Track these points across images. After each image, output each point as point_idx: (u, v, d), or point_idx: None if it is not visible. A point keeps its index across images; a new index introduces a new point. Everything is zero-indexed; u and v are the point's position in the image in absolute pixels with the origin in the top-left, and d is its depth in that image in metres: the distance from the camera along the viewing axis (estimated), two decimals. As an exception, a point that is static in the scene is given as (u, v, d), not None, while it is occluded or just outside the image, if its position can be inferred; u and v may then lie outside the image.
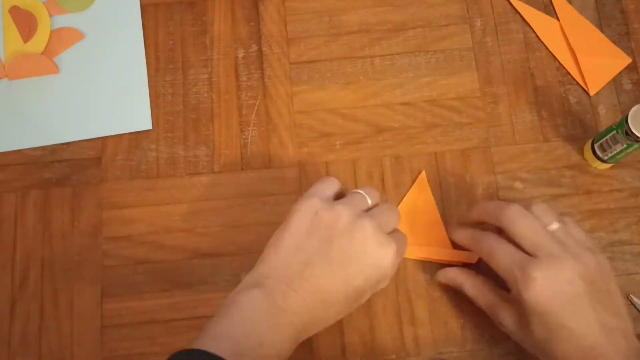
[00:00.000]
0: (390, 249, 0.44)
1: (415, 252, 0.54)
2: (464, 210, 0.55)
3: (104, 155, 0.57)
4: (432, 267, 0.54)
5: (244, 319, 0.41)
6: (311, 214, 0.44)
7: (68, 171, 0.57)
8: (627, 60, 0.60)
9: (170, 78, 0.60)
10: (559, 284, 0.43)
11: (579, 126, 0.59)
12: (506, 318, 0.46)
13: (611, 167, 0.57)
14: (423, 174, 0.56)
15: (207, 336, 0.40)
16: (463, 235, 0.51)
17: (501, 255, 0.46)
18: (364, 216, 0.45)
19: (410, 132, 0.58)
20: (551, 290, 0.42)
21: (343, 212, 0.44)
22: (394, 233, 0.47)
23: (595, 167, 0.57)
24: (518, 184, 0.57)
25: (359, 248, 0.43)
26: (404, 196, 0.56)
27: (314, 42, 0.61)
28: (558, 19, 0.62)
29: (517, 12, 0.62)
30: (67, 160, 0.57)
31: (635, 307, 0.53)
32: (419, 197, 0.55)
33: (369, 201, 0.47)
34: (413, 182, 0.57)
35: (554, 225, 0.46)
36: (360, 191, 0.48)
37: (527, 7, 0.62)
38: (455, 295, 0.53)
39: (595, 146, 0.55)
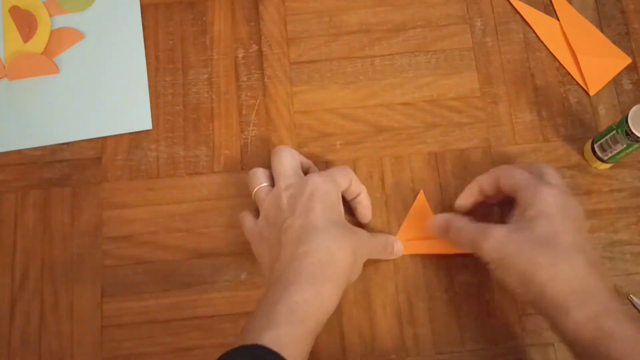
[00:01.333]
0: (308, 178, 0.48)
1: (415, 247, 0.54)
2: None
3: (104, 155, 0.57)
4: (432, 267, 0.54)
5: (268, 303, 0.43)
6: (251, 225, 0.51)
7: (68, 171, 0.57)
8: (627, 60, 0.60)
9: (170, 78, 0.60)
10: (571, 199, 0.47)
11: (579, 126, 0.59)
12: (497, 234, 0.46)
13: (611, 167, 0.57)
14: (421, 193, 0.56)
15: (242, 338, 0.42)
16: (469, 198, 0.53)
17: (520, 171, 0.49)
18: (272, 190, 0.50)
19: (410, 132, 0.58)
20: (565, 199, 0.47)
21: (266, 206, 0.49)
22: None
23: (595, 167, 0.57)
24: (518, 184, 0.57)
25: (293, 200, 0.48)
26: (404, 202, 0.56)
27: (314, 42, 0.61)
28: (558, 19, 0.62)
29: (517, 12, 0.62)
30: (67, 160, 0.57)
31: (635, 307, 0.53)
32: (420, 217, 0.55)
33: (267, 183, 0.52)
34: (413, 182, 0.57)
35: (551, 172, 0.51)
36: (262, 184, 0.52)
37: (527, 7, 0.62)
38: (455, 295, 0.53)
39: (595, 146, 0.55)
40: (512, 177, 0.49)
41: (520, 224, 0.46)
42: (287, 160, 0.51)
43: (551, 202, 0.46)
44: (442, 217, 0.51)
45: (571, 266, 0.43)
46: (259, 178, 0.51)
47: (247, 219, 0.51)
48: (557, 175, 0.50)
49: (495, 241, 0.46)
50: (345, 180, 0.51)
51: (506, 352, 0.52)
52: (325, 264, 0.44)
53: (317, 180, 0.48)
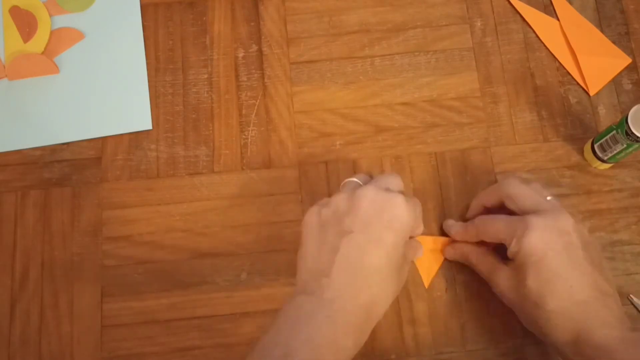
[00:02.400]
0: (397, 197, 0.44)
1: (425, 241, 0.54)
2: (464, 209, 0.55)
3: (104, 155, 0.57)
4: (432, 267, 0.54)
5: (290, 322, 0.41)
6: (315, 216, 0.45)
7: (68, 171, 0.57)
8: (627, 60, 0.60)
9: (170, 78, 0.60)
10: (556, 233, 0.44)
11: (579, 126, 0.59)
12: (502, 279, 0.47)
13: (611, 167, 0.57)
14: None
15: (255, 349, 0.40)
16: (460, 227, 0.53)
17: (500, 219, 0.48)
18: (361, 188, 0.45)
19: (410, 132, 0.58)
20: (548, 238, 0.44)
21: (338, 198, 0.45)
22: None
23: (595, 167, 0.57)
24: (518, 184, 0.57)
25: (371, 212, 0.43)
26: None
27: (314, 42, 0.61)
28: (558, 19, 0.62)
29: (517, 12, 0.62)
30: (67, 160, 0.57)
31: (635, 307, 0.53)
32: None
33: (360, 182, 0.48)
34: (413, 182, 0.57)
35: (549, 197, 0.48)
36: (352, 178, 0.49)
37: (527, 7, 0.62)
38: (455, 295, 0.53)
39: (595, 146, 0.55)
40: (494, 224, 0.48)
41: (516, 271, 0.46)
42: (398, 180, 0.48)
43: (539, 246, 0.44)
44: (458, 249, 0.53)
45: (565, 322, 0.43)
46: (358, 176, 0.49)
47: (314, 208, 0.46)
48: (545, 189, 0.49)
49: (500, 288, 0.47)
50: (419, 224, 0.48)
51: (506, 352, 0.52)
52: (362, 314, 0.42)
53: (405, 208, 0.44)
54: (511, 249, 0.46)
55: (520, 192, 0.48)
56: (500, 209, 0.50)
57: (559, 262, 0.43)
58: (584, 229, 0.46)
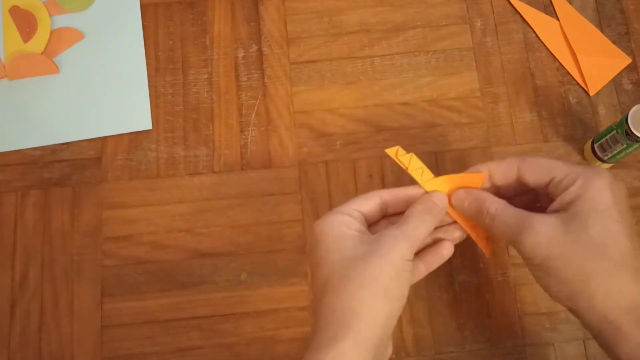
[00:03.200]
0: (317, 222, 0.40)
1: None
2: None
3: (104, 155, 0.57)
4: (432, 267, 0.54)
5: None
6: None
7: (68, 171, 0.57)
8: (627, 60, 0.60)
9: (170, 78, 0.60)
10: (620, 186, 0.39)
11: (579, 126, 0.59)
12: (544, 228, 0.38)
13: (611, 167, 0.57)
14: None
15: None
16: (496, 162, 0.44)
17: (555, 160, 0.41)
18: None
19: (410, 132, 0.58)
20: (617, 188, 0.39)
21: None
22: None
23: (595, 167, 0.57)
24: (518, 184, 0.57)
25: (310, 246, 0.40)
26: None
27: (314, 42, 0.61)
28: (558, 19, 0.62)
29: (517, 12, 0.62)
30: (67, 160, 0.57)
31: None
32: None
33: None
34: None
35: None
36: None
37: (527, 7, 0.62)
38: (455, 295, 0.53)
39: (595, 146, 0.55)
40: (543, 164, 0.40)
41: (569, 219, 0.38)
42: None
43: (607, 194, 0.38)
44: (473, 195, 0.42)
45: (629, 280, 0.36)
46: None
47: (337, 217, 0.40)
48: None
49: (539, 238, 0.38)
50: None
51: (506, 352, 0.52)
52: None
53: (313, 231, 0.39)
54: (572, 191, 0.38)
55: (551, 161, 0.41)
56: (513, 191, 0.43)
57: (626, 216, 0.38)
58: None
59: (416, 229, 0.39)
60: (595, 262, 0.37)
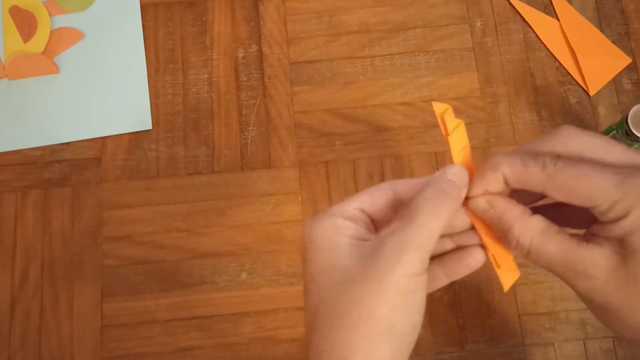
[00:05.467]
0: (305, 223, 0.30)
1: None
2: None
3: (104, 155, 0.57)
4: (432, 267, 0.54)
5: None
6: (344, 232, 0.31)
7: (68, 171, 0.57)
8: (627, 60, 0.60)
9: (170, 78, 0.60)
10: None
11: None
12: (598, 257, 0.29)
13: (611, 167, 0.57)
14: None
15: None
16: (517, 161, 0.30)
17: (600, 166, 0.29)
18: None
19: (410, 132, 0.58)
20: None
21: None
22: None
23: (595, 167, 0.57)
24: (518, 184, 0.57)
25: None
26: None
27: (314, 42, 0.61)
28: (558, 19, 0.62)
29: (517, 12, 0.62)
30: (67, 160, 0.57)
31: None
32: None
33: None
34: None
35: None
36: None
37: (527, 7, 0.62)
38: (455, 295, 0.53)
39: (595, 146, 0.55)
40: (580, 183, 0.28)
41: (628, 257, 0.29)
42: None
43: None
44: (497, 210, 0.30)
45: None
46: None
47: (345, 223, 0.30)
48: None
49: (596, 284, 0.30)
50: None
51: (506, 352, 0.52)
52: None
53: (304, 231, 0.30)
54: (625, 226, 0.28)
55: (591, 176, 0.28)
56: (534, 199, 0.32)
57: None
58: None
59: (427, 226, 0.28)
60: None
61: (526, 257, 0.30)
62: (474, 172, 0.31)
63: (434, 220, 0.29)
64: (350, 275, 0.28)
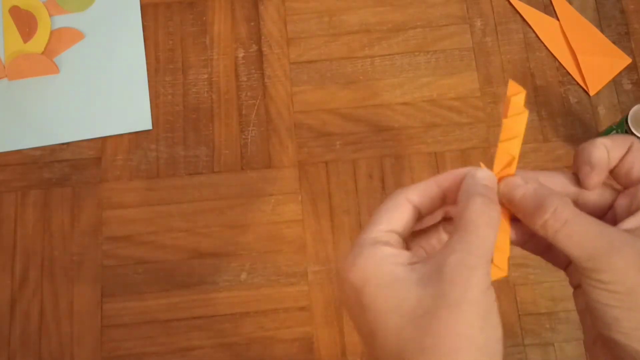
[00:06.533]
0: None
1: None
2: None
3: (104, 155, 0.57)
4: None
5: None
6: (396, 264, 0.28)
7: (68, 171, 0.57)
8: (627, 60, 0.60)
9: (170, 78, 0.60)
10: None
11: (579, 126, 0.59)
12: (635, 254, 0.27)
13: (611, 167, 0.57)
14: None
15: None
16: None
17: None
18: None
19: (410, 132, 0.58)
20: None
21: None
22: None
23: (595, 167, 0.57)
24: (518, 184, 0.57)
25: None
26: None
27: (314, 42, 0.61)
28: (558, 19, 0.62)
29: (517, 12, 0.62)
30: (67, 160, 0.57)
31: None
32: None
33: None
34: (413, 182, 0.57)
35: None
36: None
37: (527, 7, 0.62)
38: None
39: (595, 146, 0.55)
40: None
41: None
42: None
43: None
44: (534, 184, 0.29)
45: None
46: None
47: (389, 251, 0.27)
48: None
49: (630, 260, 0.27)
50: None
51: (506, 352, 0.52)
52: None
53: (341, 281, 0.27)
54: None
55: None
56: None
57: None
58: None
59: (487, 238, 0.27)
60: None
61: (553, 234, 0.28)
62: (512, 163, 0.31)
63: (491, 230, 0.27)
64: (423, 307, 0.26)
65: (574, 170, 0.31)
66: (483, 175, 0.29)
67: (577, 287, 0.30)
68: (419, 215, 0.30)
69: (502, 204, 0.30)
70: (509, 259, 0.30)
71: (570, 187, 0.31)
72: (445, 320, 0.25)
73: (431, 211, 0.30)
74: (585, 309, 0.29)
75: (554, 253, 0.31)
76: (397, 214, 0.29)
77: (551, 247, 0.31)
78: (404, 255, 0.27)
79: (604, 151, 0.29)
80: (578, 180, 0.31)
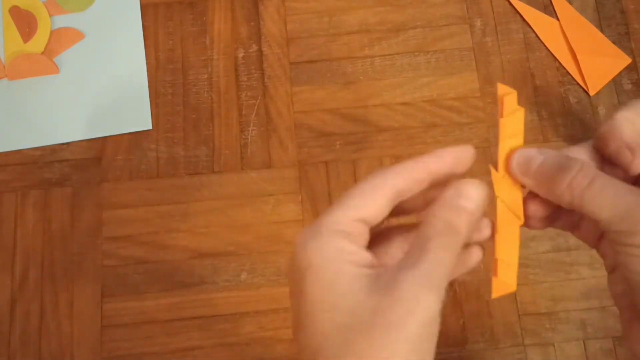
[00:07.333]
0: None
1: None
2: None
3: (104, 155, 0.57)
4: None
5: None
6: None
7: (68, 171, 0.57)
8: (627, 60, 0.60)
9: (170, 78, 0.60)
10: None
11: (579, 126, 0.59)
12: None
13: (611, 167, 0.57)
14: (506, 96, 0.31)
15: None
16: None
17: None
18: None
19: (410, 132, 0.58)
20: None
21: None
22: None
23: (595, 167, 0.57)
24: (518, 184, 0.57)
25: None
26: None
27: (314, 42, 0.61)
28: (558, 19, 0.62)
29: (517, 12, 0.62)
30: (67, 160, 0.57)
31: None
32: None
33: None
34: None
35: None
36: None
37: (527, 7, 0.62)
38: (455, 295, 0.53)
39: (595, 146, 0.55)
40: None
41: None
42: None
43: None
44: (552, 152, 0.28)
45: None
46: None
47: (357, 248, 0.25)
48: None
49: None
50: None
51: (506, 352, 0.52)
52: None
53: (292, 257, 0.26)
54: None
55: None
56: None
57: None
58: None
59: (444, 262, 0.24)
60: None
61: (580, 196, 0.26)
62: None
63: (449, 255, 0.24)
64: (359, 318, 0.23)
65: (605, 154, 0.28)
66: (469, 195, 0.26)
67: (612, 271, 0.28)
68: (399, 199, 0.26)
69: (511, 208, 0.28)
70: (516, 273, 0.28)
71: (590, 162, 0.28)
72: (377, 341, 0.22)
73: (413, 196, 0.27)
74: (621, 293, 0.26)
75: (584, 227, 0.29)
76: (370, 201, 0.25)
77: (580, 222, 0.29)
78: (361, 255, 0.25)
79: (632, 127, 0.27)
80: (596, 154, 0.29)
